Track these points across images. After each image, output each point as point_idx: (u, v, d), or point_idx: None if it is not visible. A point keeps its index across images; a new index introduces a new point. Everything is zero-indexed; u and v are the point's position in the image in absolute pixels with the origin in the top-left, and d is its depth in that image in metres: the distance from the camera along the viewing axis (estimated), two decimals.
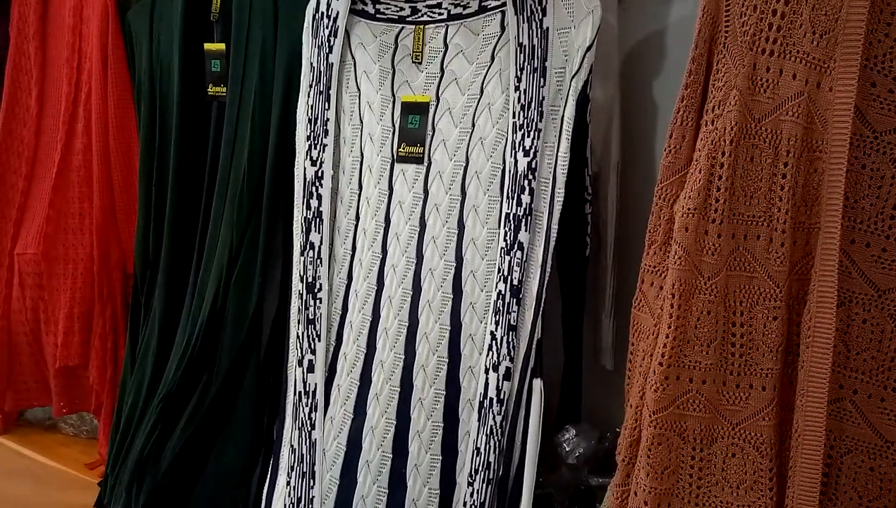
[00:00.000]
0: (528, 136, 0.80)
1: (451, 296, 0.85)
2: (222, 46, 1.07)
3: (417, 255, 0.87)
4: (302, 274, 0.93)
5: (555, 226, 0.80)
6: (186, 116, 1.10)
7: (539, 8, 0.79)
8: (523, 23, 0.80)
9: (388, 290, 0.89)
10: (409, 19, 0.89)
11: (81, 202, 1.23)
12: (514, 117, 0.81)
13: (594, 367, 0.94)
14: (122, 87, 1.19)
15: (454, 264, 0.85)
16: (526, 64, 0.80)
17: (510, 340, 0.81)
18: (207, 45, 1.08)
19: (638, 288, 0.74)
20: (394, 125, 0.90)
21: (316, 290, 0.92)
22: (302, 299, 0.93)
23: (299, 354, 0.93)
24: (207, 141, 1.10)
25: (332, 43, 0.92)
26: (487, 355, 0.83)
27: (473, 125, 0.85)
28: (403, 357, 0.87)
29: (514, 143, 0.81)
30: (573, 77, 0.78)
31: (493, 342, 0.82)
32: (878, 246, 0.65)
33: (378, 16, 0.91)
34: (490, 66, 0.84)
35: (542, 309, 0.81)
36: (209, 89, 1.09)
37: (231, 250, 1.03)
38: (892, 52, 0.63)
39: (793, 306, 0.67)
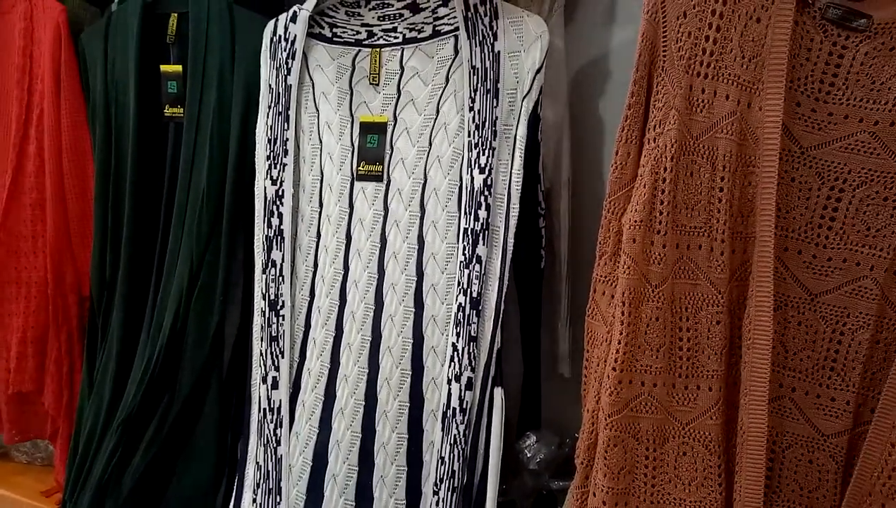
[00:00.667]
0: (483, 154, 0.83)
1: (413, 310, 0.88)
2: (179, 68, 1.07)
3: (379, 271, 0.89)
4: (264, 291, 0.94)
5: (511, 240, 0.83)
6: (143, 137, 1.10)
7: (490, 33, 0.83)
8: (475, 46, 0.84)
9: (351, 306, 0.90)
10: (366, 43, 0.91)
11: (34, 224, 1.21)
12: (469, 136, 0.84)
13: (552, 375, 0.97)
14: (75, 109, 1.18)
15: (415, 278, 0.88)
16: (479, 85, 0.83)
17: (471, 351, 0.84)
18: (164, 67, 1.09)
19: (591, 297, 0.78)
20: (353, 144, 0.92)
21: (278, 307, 0.93)
22: (265, 317, 0.94)
23: (263, 371, 0.93)
24: (164, 161, 1.10)
25: (290, 65, 0.94)
26: (449, 366, 0.85)
27: (430, 144, 0.88)
28: (367, 371, 0.89)
29: (470, 161, 0.84)
30: (524, 97, 0.82)
31: (455, 353, 0.85)
32: (809, 253, 0.70)
33: (335, 39, 0.93)
34: (445, 87, 0.87)
35: (500, 319, 0.84)
36: (166, 110, 1.10)
37: (191, 270, 1.03)
38: (812, 74, 0.69)
39: (734, 310, 0.72)
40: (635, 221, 0.70)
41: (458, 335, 0.85)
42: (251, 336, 0.97)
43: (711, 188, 0.70)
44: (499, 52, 0.82)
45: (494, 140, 0.83)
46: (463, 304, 0.84)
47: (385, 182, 0.90)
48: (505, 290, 0.83)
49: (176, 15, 1.08)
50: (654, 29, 0.70)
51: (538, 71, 0.81)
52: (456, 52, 0.86)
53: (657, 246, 0.70)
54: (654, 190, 0.70)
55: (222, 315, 1.03)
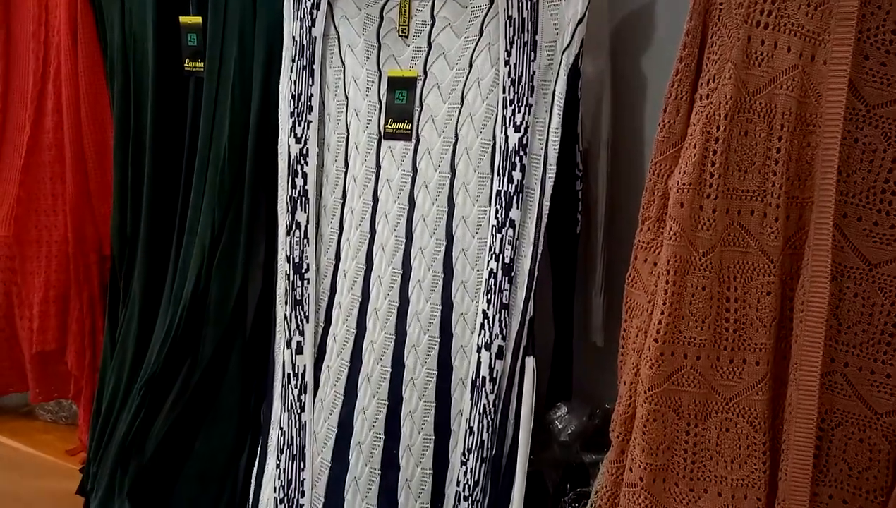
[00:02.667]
0: (519, 112, 0.78)
1: (442, 275, 0.84)
2: (198, 20, 1.03)
3: (406, 234, 0.86)
4: (288, 254, 0.91)
5: (547, 204, 0.79)
6: (162, 93, 1.06)
7: None
8: None
9: (378, 270, 0.87)
10: None
11: (54, 182, 1.19)
12: (504, 92, 0.80)
13: (584, 344, 0.94)
14: (93, 63, 1.15)
15: (444, 242, 0.84)
16: (516, 37, 0.78)
17: (502, 319, 0.81)
18: (183, 19, 1.04)
19: (631, 264, 0.74)
20: (380, 101, 0.87)
21: (303, 271, 0.90)
22: (289, 280, 0.91)
23: (287, 336, 0.91)
24: (185, 118, 1.06)
25: (314, 16, 0.89)
26: (479, 334, 0.82)
27: (462, 100, 0.83)
28: (394, 337, 0.86)
29: (505, 119, 0.80)
30: (564, 51, 0.77)
31: (485, 321, 0.82)
32: (870, 219, 0.65)
33: None
34: (479, 39, 0.82)
35: (534, 287, 0.80)
36: (186, 64, 1.06)
37: (213, 230, 1.01)
38: (884, 24, 0.63)
39: (786, 281, 0.68)
40: (683, 184, 0.66)
41: (488, 302, 0.81)
42: (275, 299, 0.95)
43: (768, 149, 0.65)
44: (537, 0, 0.77)
45: (531, 96, 0.78)
46: (494, 270, 0.81)
47: (414, 141, 0.86)
48: (539, 256, 0.80)
49: None
50: None
51: (580, 21, 0.76)
52: (491, 1, 0.81)
53: (706, 211, 0.66)
54: (706, 150, 0.65)
55: (245, 276, 1.01)
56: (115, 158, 1.11)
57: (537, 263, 0.80)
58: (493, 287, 0.81)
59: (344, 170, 0.90)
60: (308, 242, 0.90)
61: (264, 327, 1.02)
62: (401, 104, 0.86)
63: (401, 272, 0.86)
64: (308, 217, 0.90)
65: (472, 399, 0.82)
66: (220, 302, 1.00)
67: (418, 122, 0.85)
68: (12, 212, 1.20)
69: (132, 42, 1.08)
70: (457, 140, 0.83)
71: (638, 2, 0.85)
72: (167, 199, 1.08)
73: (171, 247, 1.07)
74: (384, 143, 0.87)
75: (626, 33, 0.86)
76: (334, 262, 0.91)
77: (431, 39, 0.85)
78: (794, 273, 0.68)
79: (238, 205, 1.00)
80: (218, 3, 0.99)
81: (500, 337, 0.81)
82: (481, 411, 0.81)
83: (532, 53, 0.77)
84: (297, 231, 0.91)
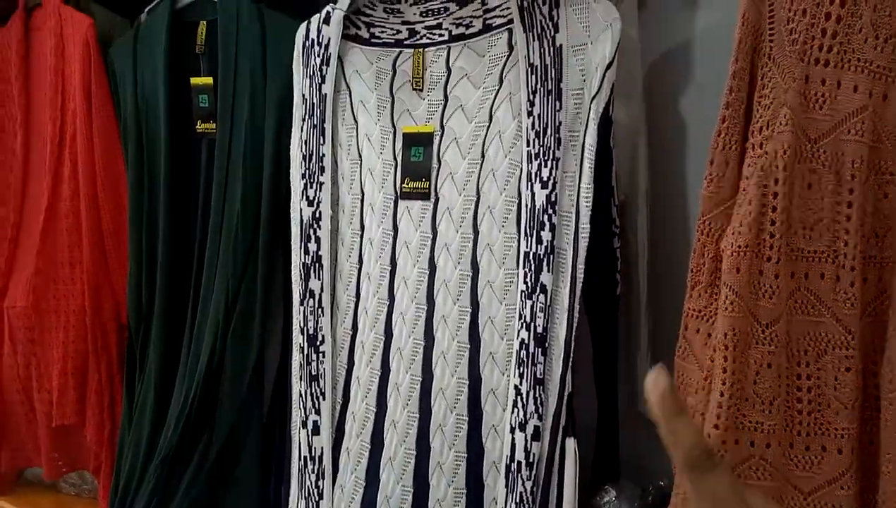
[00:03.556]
0: (546, 166, 0.71)
1: (468, 346, 0.77)
2: (209, 80, 0.99)
3: (428, 301, 0.79)
4: (302, 325, 0.85)
5: (581, 266, 0.71)
6: (176, 156, 1.02)
7: (550, 24, 0.71)
8: (533, 41, 0.72)
9: (398, 341, 0.80)
10: (407, 42, 0.81)
11: (71, 250, 1.16)
12: (528, 145, 0.72)
13: (631, 413, 0.84)
14: (107, 128, 1.12)
15: (469, 310, 0.77)
16: (539, 86, 0.71)
17: (537, 395, 0.72)
18: (194, 80, 1.01)
19: (681, 335, 0.65)
20: (395, 158, 0.81)
21: (318, 343, 0.84)
22: (303, 353, 0.85)
23: (303, 414, 0.84)
24: (199, 181, 1.02)
25: (324, 72, 0.84)
26: (512, 412, 0.74)
27: (483, 155, 0.76)
28: (418, 416, 0.78)
29: (530, 175, 0.72)
30: (593, 98, 0.69)
31: (518, 397, 0.73)
32: None
33: (373, 40, 0.83)
34: (499, 89, 0.75)
35: (571, 359, 0.72)
36: (198, 126, 1.02)
37: (227, 300, 0.95)
38: None
39: (868, 354, 0.58)
40: (739, 246, 0.57)
41: (521, 376, 0.73)
42: (289, 373, 0.88)
43: (836, 203, 0.56)
44: (560, 45, 0.70)
45: (558, 149, 0.71)
46: (526, 341, 0.73)
47: (432, 200, 0.79)
48: (576, 325, 0.71)
49: (205, 23, 1.00)
50: (756, 8, 0.57)
51: (609, 66, 0.69)
52: (510, 48, 0.75)
53: (768, 276, 0.57)
54: (763, 207, 0.57)
55: (261, 348, 0.95)
56: (130, 224, 1.08)
57: (574, 332, 0.72)
58: (525, 359, 0.73)
59: (360, 233, 0.84)
60: (323, 312, 0.84)
61: (283, 402, 0.95)
62: (417, 161, 0.80)
63: (423, 343, 0.79)
64: (322, 284, 0.84)
65: (507, 486, 0.73)
66: (235, 376, 0.94)
67: (436, 180, 0.79)
68: (31, 281, 1.17)
69: (145, 105, 1.05)
70: (479, 198, 0.76)
71: (673, 40, 0.78)
72: (182, 267, 1.03)
73: (187, 318, 1.02)
74: (401, 204, 0.81)
75: (662, 75, 0.79)
76: (351, 333, 0.84)
77: (448, 92, 0.78)
78: (876, 345, 0.58)
79: (252, 273, 0.95)
80: (228, 63, 0.95)
81: (535, 415, 0.73)
82: (518, 500, 0.72)
83: (557, 103, 0.70)
84: (311, 300, 0.84)
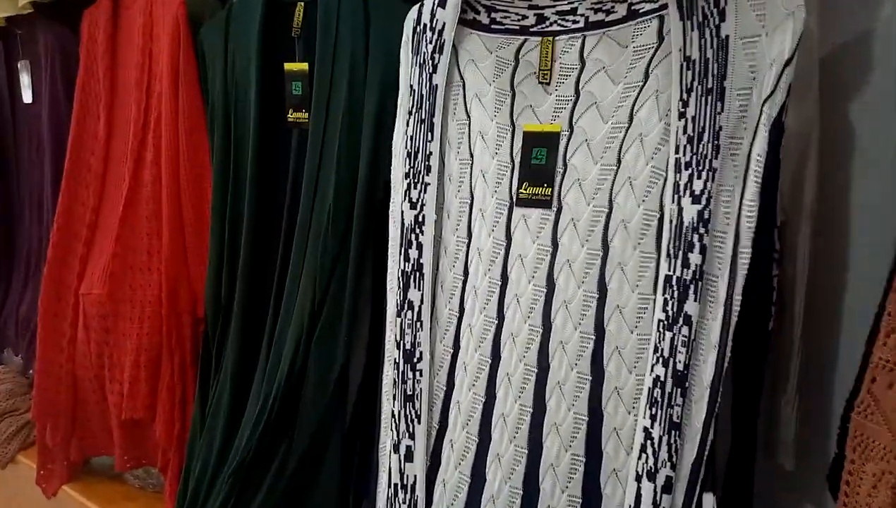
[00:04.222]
0: (699, 177, 0.61)
1: (590, 378, 0.67)
2: (305, 66, 0.93)
3: (544, 324, 0.70)
4: (398, 338, 0.77)
5: (738, 296, 0.60)
6: (264, 146, 0.96)
7: (715, 11, 0.61)
8: (692, 30, 0.61)
9: (507, 366, 0.71)
10: (534, 30, 0.71)
11: (150, 238, 1.12)
12: (677, 152, 0.62)
13: (767, 465, 0.73)
14: (194, 113, 1.07)
15: (593, 337, 0.67)
16: (696, 84, 0.61)
17: (672, 441, 0.63)
18: (288, 65, 0.94)
19: (865, 388, 0.54)
20: (513, 160, 0.72)
21: (415, 360, 0.76)
22: (398, 369, 0.77)
23: (395, 437, 0.76)
24: (287, 174, 0.96)
25: (436, 61, 0.75)
26: (639, 458, 0.64)
27: (619, 161, 0.66)
28: (527, 452, 0.69)
29: (678, 186, 0.62)
30: (765, 101, 0.59)
31: (648, 441, 0.64)
32: None
33: (494, 27, 0.74)
34: (643, 86, 0.65)
35: (717, 404, 0.61)
36: (289, 115, 0.96)
37: (313, 303, 0.89)
38: None
39: None
40: None
41: (652, 418, 0.63)
42: (380, 389, 0.81)
43: None
44: (726, 36, 0.60)
45: (716, 158, 0.60)
46: (661, 378, 0.63)
47: (555, 209, 0.70)
48: (726, 364, 0.61)
49: (303, 4, 0.93)
50: None
51: (787, 63, 0.58)
52: (660, 38, 0.65)
53: None
54: None
55: (347, 357, 0.88)
56: (212, 215, 1.02)
57: (723, 373, 0.61)
58: (659, 399, 0.63)
59: (466, 241, 0.75)
60: (422, 326, 0.76)
61: (367, 417, 0.88)
62: (539, 164, 0.71)
63: (535, 370, 0.70)
64: (423, 296, 0.76)
65: None
66: (319, 383, 0.88)
67: (560, 187, 0.70)
68: (108, 268, 1.13)
69: (234, 90, 0.99)
70: (611, 210, 0.67)
71: (856, 26, 0.66)
72: (265, 263, 0.97)
73: (268, 317, 0.96)
74: (517, 211, 0.72)
75: (839, 71, 0.67)
76: (452, 351, 0.76)
77: (580, 87, 0.69)
78: None
79: (342, 275, 0.88)
80: (327, 48, 0.88)
81: (668, 464, 0.63)
82: None
83: (719, 104, 0.60)
84: (410, 312, 0.76)
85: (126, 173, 1.13)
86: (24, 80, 1.47)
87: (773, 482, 0.74)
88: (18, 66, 1.47)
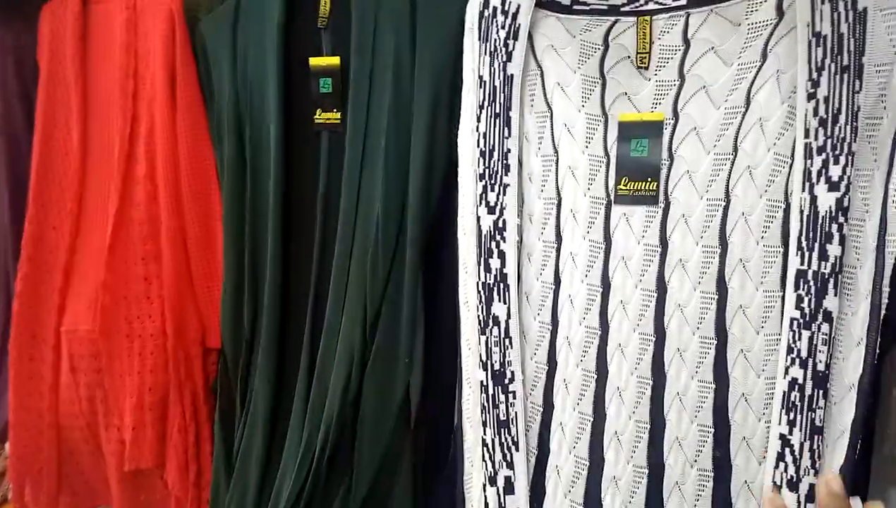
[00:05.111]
0: (836, 163, 0.56)
1: (713, 386, 0.62)
2: (335, 60, 0.83)
3: (656, 331, 0.64)
4: (484, 358, 0.69)
5: (885, 289, 0.56)
6: (289, 152, 0.86)
7: None
8: (822, 3, 0.57)
9: (616, 380, 0.65)
10: (627, 9, 0.65)
11: (147, 263, 0.99)
12: (807, 137, 0.58)
13: (878, 460, 0.70)
14: (194, 119, 0.95)
15: (714, 342, 0.62)
16: (828, 62, 0.57)
17: (815, 447, 0.58)
18: (314, 60, 0.84)
19: None
20: (608, 153, 0.66)
21: (506, 381, 0.68)
22: (487, 393, 0.69)
23: (490, 468, 0.68)
24: (317, 182, 0.86)
25: (510, 47, 0.68)
26: (776, 467, 0.59)
27: (736, 149, 0.61)
28: (646, 472, 0.63)
29: (810, 173, 0.58)
30: None
31: (787, 449, 0.59)
32: None
33: (576, 7, 0.67)
34: (761, 66, 0.60)
35: (866, 402, 0.57)
36: (316, 116, 0.86)
37: (364, 326, 0.79)
38: None
39: None
40: None
41: (790, 423, 0.58)
42: (459, 415, 0.73)
43: None
44: (864, 9, 0.55)
45: (854, 141, 0.56)
46: (800, 380, 0.58)
47: (662, 205, 0.64)
48: (873, 360, 0.57)
49: None
50: None
51: None
52: (779, 13, 0.60)
53: None
54: None
55: (408, 382, 0.79)
56: (226, 235, 0.91)
57: (870, 370, 0.57)
58: (797, 404, 0.58)
59: (555, 245, 0.68)
60: (511, 343, 0.68)
61: (432, 452, 0.80)
62: (640, 157, 0.65)
63: (650, 382, 0.64)
64: (509, 309, 0.68)
65: None
66: (377, 419, 0.78)
67: (668, 180, 0.64)
68: (98, 300, 0.99)
69: (247, 91, 0.88)
70: (728, 202, 0.62)
71: None
72: (297, 284, 0.87)
73: (303, 346, 0.86)
74: (616, 209, 0.66)
75: None
76: (547, 368, 0.69)
77: (685, 70, 0.63)
78: None
79: (395, 294, 0.79)
80: (364, 38, 0.79)
81: (811, 472, 0.58)
82: None
83: (857, 82, 0.56)
84: (496, 328, 0.69)
85: (112, 191, 0.99)
86: None
87: (886, 475, 0.70)
88: None
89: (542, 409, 0.68)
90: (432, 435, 0.81)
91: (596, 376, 0.66)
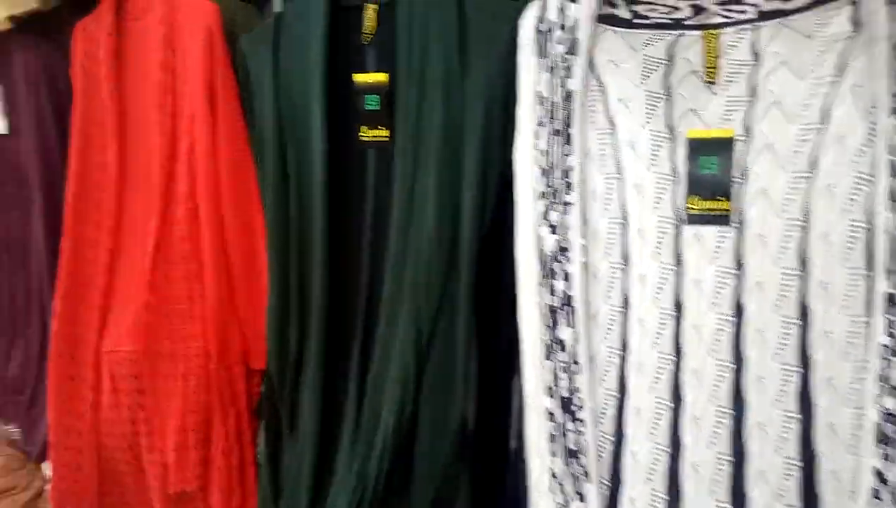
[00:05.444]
0: None
1: (799, 416, 0.59)
2: (383, 77, 0.81)
3: (734, 358, 0.61)
4: (551, 385, 0.67)
5: None
6: (334, 171, 0.84)
7: None
8: None
9: (692, 409, 0.62)
10: (691, 22, 0.63)
11: (189, 283, 0.97)
12: (891, 154, 0.55)
13: None
14: (236, 136, 0.94)
15: (798, 370, 0.59)
16: None
17: None
18: (359, 77, 0.82)
19: None
20: (675, 171, 0.64)
21: (574, 409, 0.66)
22: (555, 421, 0.67)
23: (560, 499, 0.66)
24: (364, 201, 0.84)
25: (570, 63, 0.66)
26: (870, 503, 0.56)
27: (814, 167, 0.58)
28: (729, 507, 0.60)
29: (894, 193, 0.55)
30: None
31: (883, 486, 0.56)
32: None
33: (637, 21, 0.65)
34: (837, 80, 0.57)
35: None
36: (361, 133, 0.84)
37: (418, 348, 0.77)
38: None
39: None
40: None
41: (885, 457, 0.56)
42: (519, 442, 0.71)
43: None
44: None
45: None
46: (893, 410, 0.55)
47: (736, 225, 0.61)
48: None
49: (374, 6, 0.81)
50: None
51: None
52: (855, 25, 0.57)
53: None
54: None
55: (466, 405, 0.77)
56: (271, 254, 0.89)
57: None
58: (893, 436, 0.55)
59: (622, 266, 0.66)
60: (579, 369, 0.66)
61: (491, 478, 0.78)
62: (710, 174, 0.62)
63: (730, 411, 0.61)
64: (576, 333, 0.66)
65: None
66: (433, 446, 0.77)
67: (742, 199, 0.61)
68: (140, 319, 0.98)
69: (290, 108, 0.86)
70: (807, 222, 0.59)
71: None
72: (345, 305, 0.85)
73: (351, 364, 0.84)
74: (686, 229, 0.63)
75: None
76: (617, 396, 0.66)
77: (757, 84, 0.61)
78: None
79: (450, 311, 0.77)
80: (412, 53, 0.77)
81: None
82: None
83: None
84: (562, 353, 0.66)
85: (153, 210, 0.98)
86: None
87: None
88: None
89: (612, 438, 0.66)
90: (489, 463, 0.79)
91: (671, 404, 0.63)
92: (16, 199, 1.25)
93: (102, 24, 1.04)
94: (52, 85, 1.15)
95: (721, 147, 0.62)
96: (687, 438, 0.62)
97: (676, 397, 0.63)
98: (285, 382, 0.90)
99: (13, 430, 1.30)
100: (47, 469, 1.18)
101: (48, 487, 1.20)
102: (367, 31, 0.82)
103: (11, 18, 1.11)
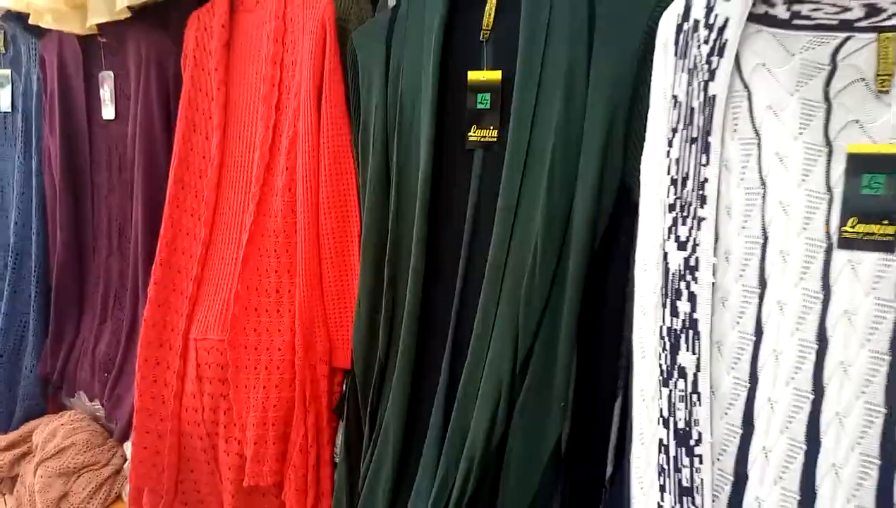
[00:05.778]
0: None
1: None
2: (496, 75, 0.78)
3: (888, 402, 0.54)
4: (666, 414, 0.61)
5: None
6: (438, 171, 0.81)
7: None
8: None
9: (832, 455, 0.55)
10: (862, 25, 0.56)
11: (279, 275, 0.97)
12: None
13: None
14: (339, 132, 0.92)
15: None
16: None
17: None
18: (473, 74, 0.79)
19: None
20: (831, 190, 0.57)
21: (691, 442, 0.60)
22: (667, 454, 0.61)
23: None
24: (465, 203, 0.81)
25: (714, 65, 0.60)
26: None
27: None
28: None
29: None
30: None
31: None
32: None
33: (796, 22, 0.59)
34: None
35: None
36: (471, 133, 0.80)
37: (515, 363, 0.73)
38: None
39: None
40: None
41: None
42: (626, 475, 0.65)
43: None
44: None
45: None
46: None
47: None
48: None
49: (494, 1, 0.78)
50: None
51: None
52: None
53: None
54: None
55: (562, 428, 0.72)
56: (365, 253, 0.87)
57: None
58: None
59: (758, 291, 0.60)
60: (699, 400, 0.60)
61: (584, 503, 0.72)
62: (874, 195, 0.55)
63: (878, 462, 0.54)
64: (699, 361, 0.60)
65: None
66: (525, 465, 0.72)
67: None
68: (228, 309, 0.98)
69: (398, 106, 0.84)
70: None
71: None
72: (437, 308, 0.82)
73: (440, 375, 0.80)
74: (839, 255, 0.56)
75: None
76: (740, 432, 0.60)
77: None
78: None
79: (552, 330, 0.72)
80: (534, 52, 0.73)
81: None
82: None
83: None
84: (682, 381, 0.60)
85: (250, 202, 0.98)
86: (105, 94, 1.32)
87: None
88: (99, 78, 1.32)
89: (732, 479, 0.59)
90: (582, 491, 0.73)
91: (805, 447, 0.56)
92: (117, 185, 1.29)
93: (217, 15, 1.05)
94: (160, 73, 1.18)
95: (890, 165, 0.55)
96: (823, 488, 0.55)
97: (813, 440, 0.56)
98: (370, 386, 0.87)
99: (98, 407, 1.33)
100: (128, 448, 1.20)
101: (127, 465, 1.22)
102: (486, 27, 0.79)
103: (131, 8, 1.14)
